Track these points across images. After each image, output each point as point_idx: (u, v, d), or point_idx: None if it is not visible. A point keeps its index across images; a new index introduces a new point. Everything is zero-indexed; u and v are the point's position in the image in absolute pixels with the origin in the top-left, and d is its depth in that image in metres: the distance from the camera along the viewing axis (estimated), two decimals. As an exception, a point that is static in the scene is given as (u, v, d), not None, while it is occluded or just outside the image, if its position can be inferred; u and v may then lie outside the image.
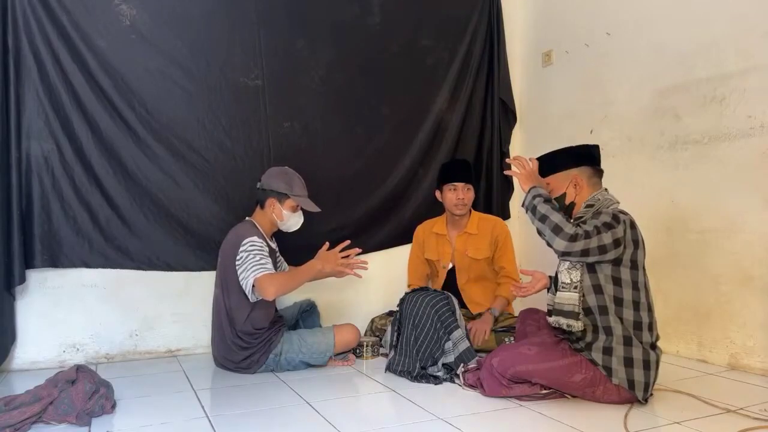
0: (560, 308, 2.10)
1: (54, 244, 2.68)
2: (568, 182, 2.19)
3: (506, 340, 2.72)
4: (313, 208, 2.69)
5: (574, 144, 2.30)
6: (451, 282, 3.04)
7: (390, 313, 3.04)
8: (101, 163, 2.76)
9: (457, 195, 2.94)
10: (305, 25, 3.15)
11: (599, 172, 2.22)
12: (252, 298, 2.51)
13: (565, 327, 2.09)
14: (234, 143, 3.00)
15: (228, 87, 2.98)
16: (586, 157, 2.22)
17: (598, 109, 3.25)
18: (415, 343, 2.53)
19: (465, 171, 2.98)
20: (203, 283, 2.89)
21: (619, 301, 2.03)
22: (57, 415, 1.92)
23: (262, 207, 2.67)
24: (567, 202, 2.18)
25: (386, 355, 2.68)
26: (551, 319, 2.14)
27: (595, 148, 2.26)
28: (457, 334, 2.50)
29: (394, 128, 3.38)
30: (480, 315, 2.89)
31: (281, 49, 3.09)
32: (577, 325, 2.06)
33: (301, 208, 2.70)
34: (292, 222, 2.70)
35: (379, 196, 3.36)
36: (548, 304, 2.20)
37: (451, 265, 3.05)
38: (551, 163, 2.25)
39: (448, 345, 2.49)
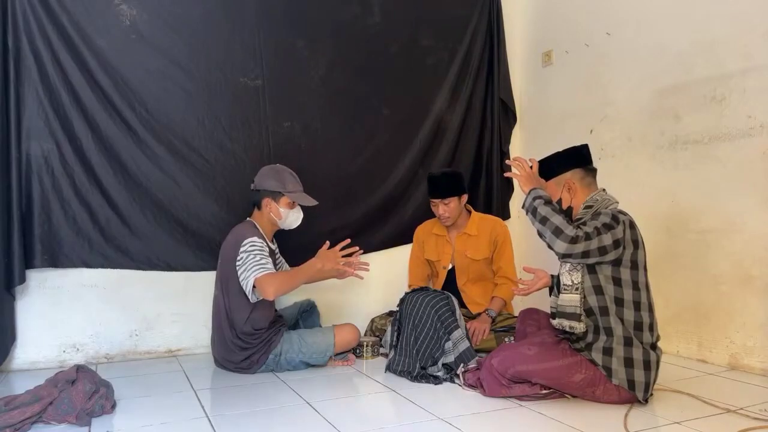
0: (563, 310, 2.10)
1: (54, 244, 2.68)
2: (561, 188, 2.18)
3: (506, 340, 2.72)
4: (310, 201, 2.69)
5: (574, 144, 2.28)
6: (451, 282, 3.04)
7: (390, 313, 3.04)
8: (101, 163, 2.76)
9: (438, 210, 2.94)
10: (305, 25, 3.15)
11: (592, 172, 2.21)
12: (252, 299, 2.51)
13: (567, 329, 2.09)
14: (234, 143, 3.00)
15: (228, 87, 2.98)
16: (575, 158, 2.20)
17: (598, 109, 3.25)
18: (415, 343, 2.53)
19: (441, 186, 2.91)
20: (203, 283, 2.89)
21: (619, 302, 2.03)
22: (57, 415, 1.92)
23: (259, 208, 2.67)
24: (564, 207, 2.17)
25: (386, 355, 2.68)
26: (554, 322, 2.15)
27: (584, 147, 2.24)
28: (457, 334, 2.50)
29: (394, 128, 3.38)
30: (480, 315, 2.89)
31: (281, 49, 3.09)
32: (579, 327, 2.06)
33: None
34: (292, 219, 2.70)
35: (379, 196, 3.36)
36: (551, 307, 2.20)
37: (451, 266, 3.05)
38: (541, 171, 2.24)
39: (448, 345, 2.49)
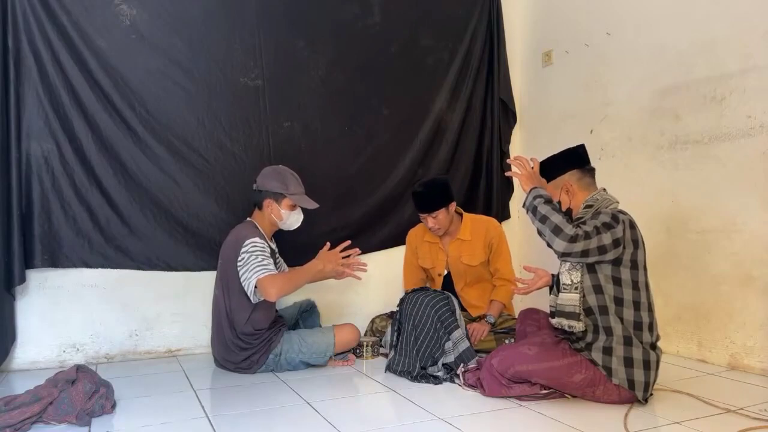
0: (562, 309, 2.10)
1: (54, 244, 2.68)
2: (559, 190, 2.18)
3: (506, 341, 2.72)
4: (311, 204, 2.69)
5: (574, 144, 2.28)
6: (448, 287, 2.99)
7: (391, 314, 3.03)
8: (101, 163, 2.76)
9: (427, 224, 2.90)
10: (305, 25, 3.15)
11: (590, 172, 2.21)
12: (254, 299, 2.51)
13: (566, 328, 2.09)
14: (234, 143, 3.00)
15: (228, 87, 2.98)
16: (572, 159, 2.20)
17: (598, 109, 3.25)
18: (415, 343, 2.53)
19: (426, 201, 2.84)
20: (203, 283, 2.89)
21: (619, 301, 2.03)
22: (57, 415, 1.92)
23: (260, 208, 2.67)
24: (563, 209, 2.17)
25: (386, 355, 2.68)
26: (554, 321, 2.15)
27: (580, 147, 2.23)
28: (457, 334, 2.50)
29: (394, 128, 3.38)
30: (480, 318, 2.87)
31: (281, 49, 3.09)
32: (578, 326, 2.06)
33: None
34: (292, 220, 2.70)
35: (379, 196, 3.36)
36: (551, 306, 2.20)
37: (446, 272, 3.02)
38: (540, 174, 2.24)
39: (448, 345, 2.49)
